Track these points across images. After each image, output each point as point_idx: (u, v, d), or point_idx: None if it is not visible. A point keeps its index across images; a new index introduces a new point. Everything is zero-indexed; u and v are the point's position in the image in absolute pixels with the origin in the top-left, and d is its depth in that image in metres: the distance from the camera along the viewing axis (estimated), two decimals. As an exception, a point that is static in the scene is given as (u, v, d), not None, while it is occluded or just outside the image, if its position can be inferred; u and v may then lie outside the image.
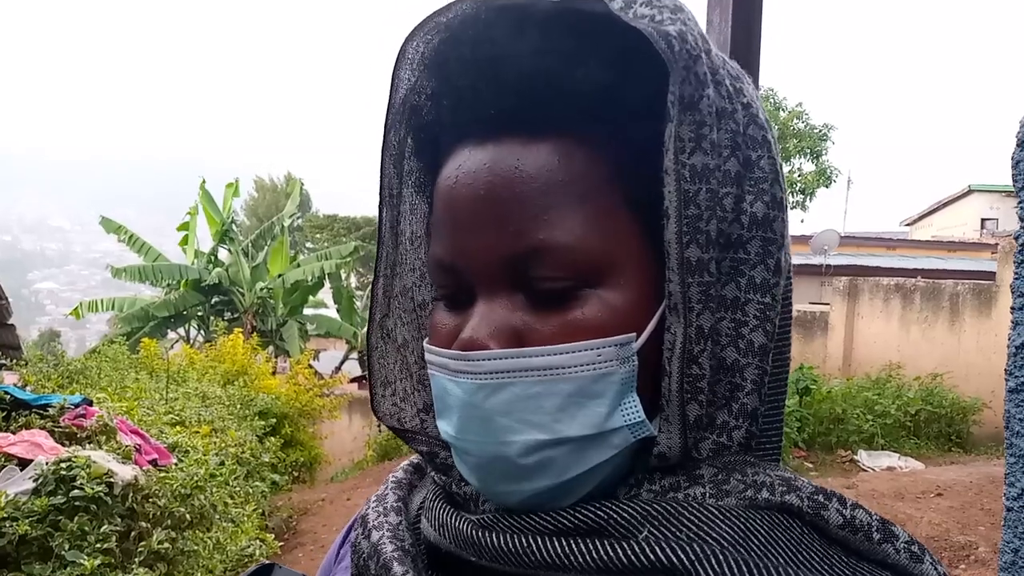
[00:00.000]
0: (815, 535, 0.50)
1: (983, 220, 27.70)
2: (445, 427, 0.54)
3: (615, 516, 0.50)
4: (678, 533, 0.48)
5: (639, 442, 0.51)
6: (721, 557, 0.46)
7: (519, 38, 0.51)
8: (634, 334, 0.50)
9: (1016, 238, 1.20)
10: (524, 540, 0.50)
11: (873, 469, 9.11)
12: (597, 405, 0.49)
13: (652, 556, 0.47)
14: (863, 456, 9.57)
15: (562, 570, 0.49)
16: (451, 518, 0.56)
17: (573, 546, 0.49)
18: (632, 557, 0.47)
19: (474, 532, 0.53)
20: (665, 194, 0.49)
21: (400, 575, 0.54)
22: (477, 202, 0.51)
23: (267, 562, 0.62)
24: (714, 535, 0.48)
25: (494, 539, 0.51)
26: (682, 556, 0.46)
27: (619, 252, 0.51)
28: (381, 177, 0.61)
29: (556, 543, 0.49)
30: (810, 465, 9.29)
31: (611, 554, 0.47)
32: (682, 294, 0.49)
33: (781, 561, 0.47)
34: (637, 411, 0.50)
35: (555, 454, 0.50)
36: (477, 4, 0.53)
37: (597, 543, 0.48)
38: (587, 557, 0.48)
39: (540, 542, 0.50)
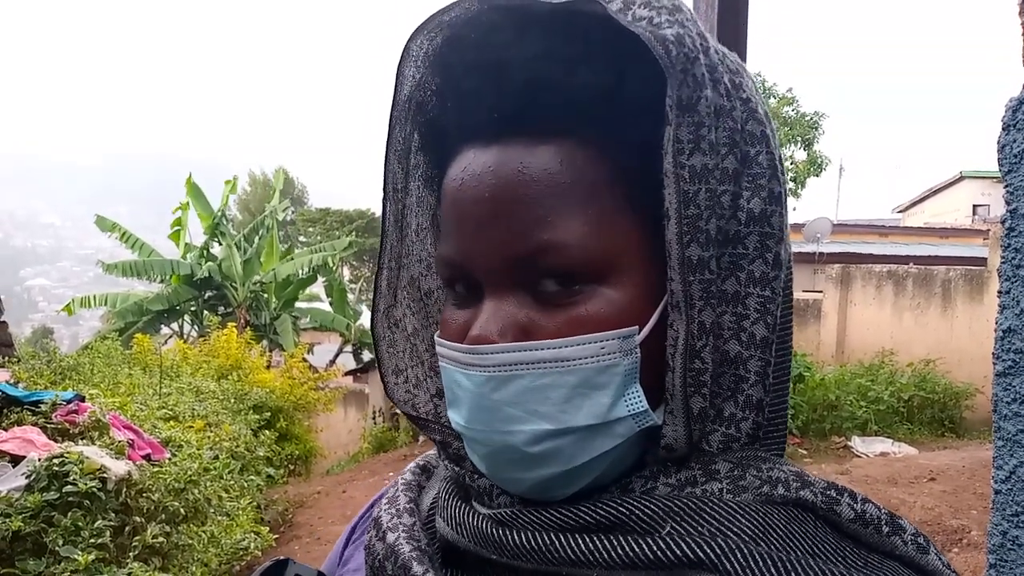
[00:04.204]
0: (828, 529, 0.52)
1: (975, 206, 27.76)
2: (456, 417, 0.56)
3: (636, 512, 0.51)
4: (700, 528, 0.50)
5: (646, 433, 0.53)
6: (746, 551, 0.48)
7: (521, 42, 0.51)
8: (636, 327, 0.51)
9: (1003, 222, 1.20)
10: (547, 537, 0.51)
11: (867, 455, 9.16)
12: (601, 396, 0.51)
13: (678, 551, 0.48)
14: (857, 442, 9.62)
15: (587, 566, 0.50)
16: (468, 516, 0.57)
17: (597, 542, 0.50)
18: (658, 552, 0.48)
19: (494, 530, 0.54)
20: (665, 195, 0.49)
21: (420, 575, 0.55)
22: (483, 204, 0.52)
23: (282, 557, 0.62)
24: (735, 530, 0.49)
25: (516, 537, 0.52)
26: (708, 551, 0.48)
27: (621, 251, 0.52)
28: (385, 173, 0.62)
29: (580, 540, 0.50)
30: (804, 452, 9.33)
31: (636, 550, 0.49)
32: (683, 292, 0.50)
33: (799, 554, 0.49)
34: (640, 401, 0.51)
35: (561, 443, 0.51)
36: (479, 4, 0.53)
37: (621, 539, 0.49)
38: (612, 553, 0.49)
39: (564, 539, 0.51)
